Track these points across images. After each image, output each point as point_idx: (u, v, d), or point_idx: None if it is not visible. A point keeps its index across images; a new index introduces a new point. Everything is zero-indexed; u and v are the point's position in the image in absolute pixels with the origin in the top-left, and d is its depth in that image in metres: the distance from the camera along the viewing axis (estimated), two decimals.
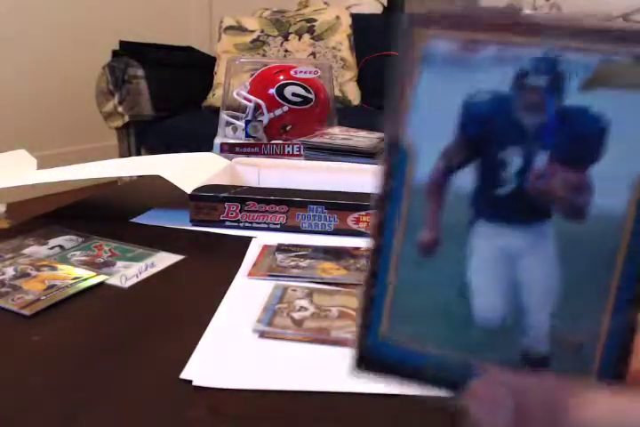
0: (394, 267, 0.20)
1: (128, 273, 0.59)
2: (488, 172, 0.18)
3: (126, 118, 2.52)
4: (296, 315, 0.50)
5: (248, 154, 1.10)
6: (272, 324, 0.49)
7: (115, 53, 2.60)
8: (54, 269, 0.59)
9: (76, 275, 0.58)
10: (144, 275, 0.59)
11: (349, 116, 1.59)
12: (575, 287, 0.19)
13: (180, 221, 0.75)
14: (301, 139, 1.11)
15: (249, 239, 0.70)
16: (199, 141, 1.33)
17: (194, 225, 0.74)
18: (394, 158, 0.19)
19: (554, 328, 0.20)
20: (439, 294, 0.20)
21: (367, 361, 0.21)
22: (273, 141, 1.16)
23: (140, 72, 2.55)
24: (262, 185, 0.81)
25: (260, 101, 1.25)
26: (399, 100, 0.19)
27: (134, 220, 0.77)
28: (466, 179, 0.19)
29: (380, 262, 0.20)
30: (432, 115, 0.18)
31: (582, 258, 0.19)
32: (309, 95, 1.26)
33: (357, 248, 0.65)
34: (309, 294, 0.54)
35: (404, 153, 0.19)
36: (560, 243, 0.19)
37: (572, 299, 0.19)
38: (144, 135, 2.57)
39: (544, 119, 0.18)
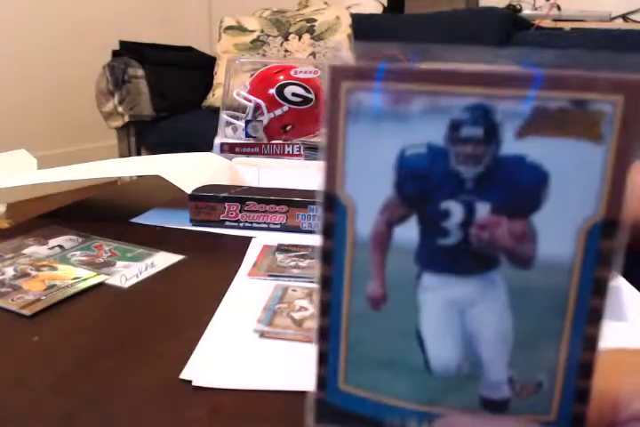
0: (345, 320, 0.20)
1: (128, 273, 0.59)
2: (430, 224, 0.18)
3: (126, 118, 2.52)
4: (296, 315, 0.50)
5: (248, 154, 1.10)
6: (272, 324, 0.49)
7: (115, 53, 2.61)
8: (54, 269, 0.59)
9: (75, 275, 0.58)
10: (144, 275, 0.59)
11: None
12: (529, 333, 0.19)
13: (180, 221, 0.75)
14: (301, 139, 1.11)
15: (249, 239, 0.70)
16: (199, 141, 1.33)
17: (194, 225, 0.74)
18: (333, 213, 0.18)
19: (511, 373, 0.20)
20: (393, 345, 0.20)
21: (326, 414, 0.21)
22: (273, 141, 1.16)
23: (140, 72, 2.55)
24: (262, 185, 0.81)
25: (260, 101, 1.25)
26: (332, 156, 0.18)
27: (134, 220, 0.77)
28: (408, 232, 0.18)
29: (331, 317, 0.20)
30: (367, 169, 0.18)
31: (534, 304, 0.19)
32: (309, 95, 1.26)
33: None
34: (309, 294, 0.54)
35: (343, 208, 0.18)
36: (510, 291, 0.19)
37: (526, 345, 0.19)
38: (144, 135, 2.57)
39: (481, 170, 0.17)
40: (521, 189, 0.17)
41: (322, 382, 0.20)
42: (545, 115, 0.17)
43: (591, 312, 0.18)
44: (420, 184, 0.18)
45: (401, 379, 0.20)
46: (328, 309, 0.19)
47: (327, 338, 0.20)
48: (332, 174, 0.18)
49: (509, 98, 0.17)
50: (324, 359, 0.20)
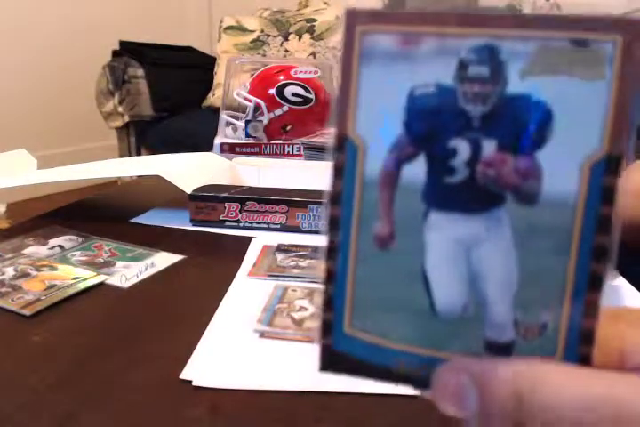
0: (352, 262, 0.20)
1: (128, 273, 0.59)
2: (437, 162, 0.19)
3: (126, 118, 2.52)
4: (296, 315, 0.50)
5: (248, 154, 1.10)
6: (272, 324, 0.49)
7: (115, 53, 2.61)
8: (54, 269, 0.59)
9: (75, 275, 0.58)
10: (144, 275, 0.59)
11: None
12: (534, 271, 0.19)
13: (180, 221, 0.75)
14: (301, 139, 1.12)
15: (249, 239, 0.70)
16: (199, 141, 1.33)
17: (194, 225, 0.74)
18: (344, 154, 0.19)
19: (516, 315, 0.20)
20: (399, 287, 0.20)
21: (332, 360, 0.21)
22: (273, 141, 1.16)
23: (140, 72, 2.55)
24: (262, 185, 0.81)
25: (260, 101, 1.25)
26: (344, 97, 0.19)
27: (134, 220, 0.77)
28: (416, 170, 0.19)
29: (338, 259, 0.20)
30: (378, 110, 0.19)
31: (538, 242, 0.19)
32: (309, 95, 1.26)
33: None
34: (309, 294, 0.54)
35: (354, 148, 0.19)
36: (515, 228, 0.19)
37: (531, 284, 0.19)
38: (144, 135, 2.57)
39: (487, 109, 0.18)
40: (526, 126, 0.18)
41: (327, 327, 0.21)
42: (548, 54, 0.17)
43: (596, 250, 0.19)
44: (428, 123, 0.19)
45: (406, 322, 0.20)
46: (335, 251, 0.20)
47: (333, 281, 0.20)
48: (343, 115, 0.19)
49: (514, 38, 0.18)
50: (329, 303, 0.20)
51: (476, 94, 0.18)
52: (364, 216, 0.19)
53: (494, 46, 0.18)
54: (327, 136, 1.13)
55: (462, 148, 0.18)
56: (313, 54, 2.72)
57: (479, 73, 0.18)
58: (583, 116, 0.18)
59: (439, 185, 0.19)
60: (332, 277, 0.20)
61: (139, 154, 2.59)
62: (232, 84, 1.32)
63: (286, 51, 2.72)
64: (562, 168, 0.18)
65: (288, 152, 1.09)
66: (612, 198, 0.18)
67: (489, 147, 0.18)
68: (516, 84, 0.18)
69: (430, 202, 0.19)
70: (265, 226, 0.73)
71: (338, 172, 0.19)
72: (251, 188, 0.78)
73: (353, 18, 0.18)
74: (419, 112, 0.18)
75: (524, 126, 0.18)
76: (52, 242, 0.67)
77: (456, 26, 0.18)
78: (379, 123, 0.19)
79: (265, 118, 1.26)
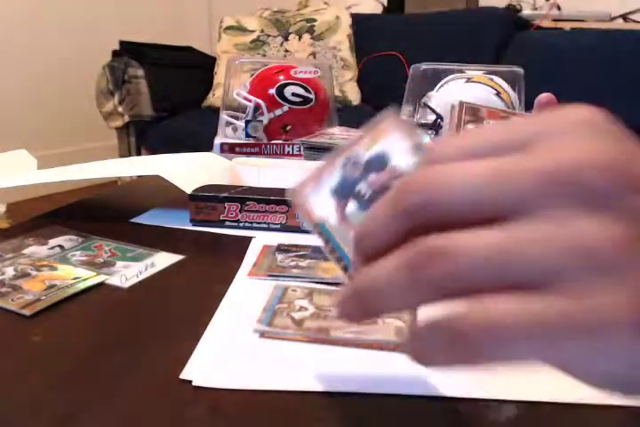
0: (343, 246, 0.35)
1: (128, 273, 0.59)
2: (357, 197, 0.34)
3: (126, 118, 2.52)
4: (296, 315, 0.50)
5: (248, 154, 1.10)
6: (272, 324, 0.49)
7: (115, 53, 2.61)
8: (54, 269, 0.59)
9: (75, 275, 0.58)
10: (144, 275, 0.59)
11: (349, 116, 1.59)
12: None
13: (180, 221, 0.75)
14: (301, 139, 1.12)
15: (249, 239, 0.70)
16: (199, 141, 1.33)
17: (194, 225, 0.74)
18: (321, 228, 0.35)
19: None
20: None
21: None
22: (273, 141, 1.16)
23: (140, 72, 2.55)
24: (262, 185, 0.81)
25: (260, 101, 1.25)
26: (308, 211, 0.35)
27: (134, 220, 0.77)
28: (351, 205, 0.34)
29: (345, 259, 0.35)
30: (323, 203, 0.35)
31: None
32: (309, 95, 1.27)
33: None
34: (309, 294, 0.54)
35: (323, 223, 0.35)
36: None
37: None
38: (144, 135, 2.57)
39: (362, 169, 0.34)
40: (378, 164, 0.33)
41: (345, 272, 0.35)
42: (373, 139, 0.34)
43: None
44: (346, 188, 0.35)
45: None
46: (342, 258, 0.35)
47: (347, 269, 0.35)
48: (311, 217, 0.35)
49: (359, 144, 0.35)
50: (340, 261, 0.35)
51: (357, 168, 0.34)
52: (341, 235, 0.35)
53: (352, 153, 0.34)
54: (327, 136, 1.13)
55: (363, 186, 0.34)
56: (313, 54, 2.72)
57: (352, 163, 0.34)
58: (399, 147, 0.33)
59: (362, 201, 0.34)
60: (346, 268, 0.35)
61: (139, 154, 2.59)
62: (232, 84, 1.32)
63: (286, 51, 2.72)
64: (401, 162, 0.32)
65: (288, 152, 1.09)
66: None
67: (372, 177, 0.34)
68: (366, 155, 0.34)
69: (361, 208, 0.34)
70: (265, 226, 0.73)
71: (321, 235, 0.35)
72: (251, 188, 0.78)
73: (296, 195, 0.35)
74: (339, 189, 0.35)
75: (377, 165, 0.34)
76: (52, 242, 0.67)
77: (341, 153, 0.35)
78: (327, 206, 0.35)
79: (265, 118, 1.26)
